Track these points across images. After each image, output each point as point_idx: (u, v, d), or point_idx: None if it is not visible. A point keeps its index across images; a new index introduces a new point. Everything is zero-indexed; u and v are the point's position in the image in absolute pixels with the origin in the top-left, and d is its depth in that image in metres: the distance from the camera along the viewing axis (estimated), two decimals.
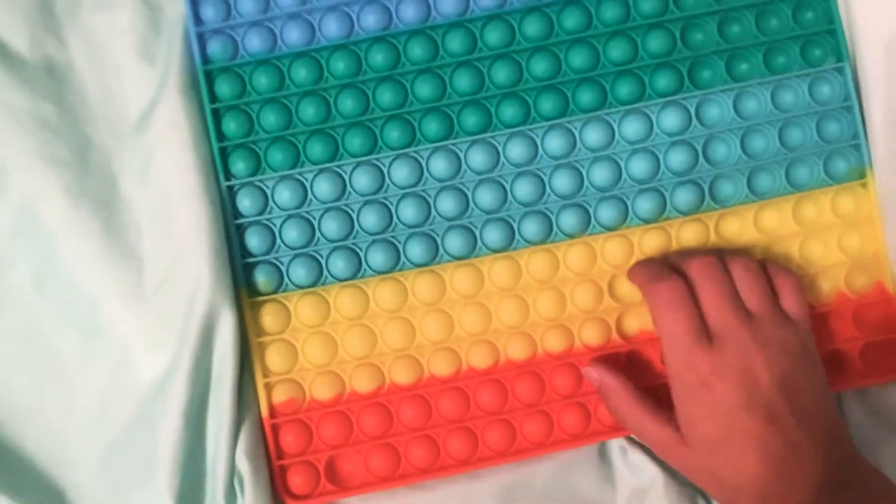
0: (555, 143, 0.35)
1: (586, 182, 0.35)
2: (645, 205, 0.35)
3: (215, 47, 0.35)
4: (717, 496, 0.32)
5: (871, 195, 0.35)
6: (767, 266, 0.33)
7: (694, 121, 0.35)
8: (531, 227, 0.35)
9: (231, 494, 0.32)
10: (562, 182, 0.35)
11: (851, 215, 0.35)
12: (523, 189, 0.35)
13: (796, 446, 0.29)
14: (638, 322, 0.35)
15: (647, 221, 0.35)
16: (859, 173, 0.36)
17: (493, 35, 0.35)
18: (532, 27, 0.35)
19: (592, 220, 0.35)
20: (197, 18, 0.34)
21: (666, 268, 0.33)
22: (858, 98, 0.35)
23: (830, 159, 0.36)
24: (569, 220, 0.35)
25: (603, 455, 0.35)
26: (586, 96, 0.35)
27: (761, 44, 0.35)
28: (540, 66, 0.35)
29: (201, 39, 0.34)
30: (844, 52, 0.35)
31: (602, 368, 0.34)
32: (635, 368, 0.35)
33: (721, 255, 0.33)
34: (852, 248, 0.36)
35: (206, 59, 0.35)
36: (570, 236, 0.35)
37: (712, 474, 0.31)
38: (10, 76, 0.33)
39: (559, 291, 0.35)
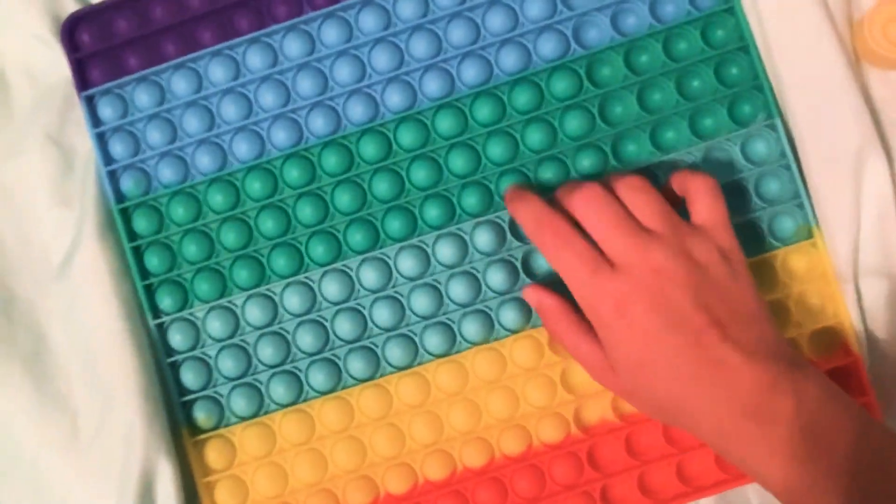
0: (484, 238, 0.34)
1: (521, 276, 0.34)
2: None
3: (128, 183, 0.34)
4: (650, 415, 0.31)
5: (823, 253, 0.34)
6: (676, 175, 0.31)
7: None
8: (471, 328, 0.34)
9: None
10: (497, 278, 0.34)
11: (804, 275, 0.34)
12: (457, 290, 0.34)
13: (721, 361, 0.28)
14: (598, 410, 0.34)
15: None
16: (807, 231, 0.34)
17: (407, 136, 0.34)
18: (445, 123, 0.34)
19: (534, 313, 0.34)
20: (106, 156, 0.34)
21: (545, 208, 0.31)
22: (794, 153, 0.34)
23: (775, 220, 0.34)
24: (510, 315, 0.34)
25: None
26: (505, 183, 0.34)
27: (686, 109, 0.34)
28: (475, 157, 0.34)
29: (113, 177, 0.34)
30: (774, 106, 0.34)
31: (539, 290, 0.32)
32: (598, 461, 0.34)
33: (607, 181, 0.31)
34: (812, 310, 0.34)
35: (120, 196, 0.34)
36: (513, 331, 0.34)
37: (643, 398, 0.30)
38: None
39: (510, 389, 0.34)
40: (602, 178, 0.32)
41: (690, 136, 0.34)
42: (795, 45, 0.33)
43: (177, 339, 0.34)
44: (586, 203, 0.30)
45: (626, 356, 0.29)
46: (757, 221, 0.34)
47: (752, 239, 0.34)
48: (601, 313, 0.29)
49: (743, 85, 0.34)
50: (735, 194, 0.34)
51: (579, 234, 0.30)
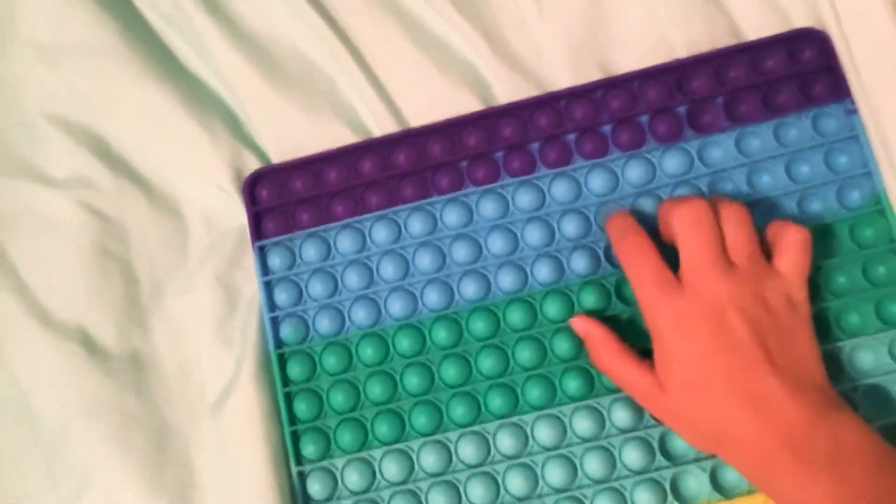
0: (622, 414, 0.34)
1: (658, 455, 0.34)
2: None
3: (287, 330, 0.36)
4: (693, 442, 0.31)
5: None
6: (773, 224, 0.32)
7: None
8: None
9: None
10: (633, 456, 0.34)
11: None
12: (593, 465, 0.34)
13: (768, 392, 0.29)
14: None
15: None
16: None
17: (552, 308, 0.35)
18: (552, 308, 0.35)
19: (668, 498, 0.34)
20: (271, 303, 0.36)
21: (631, 223, 0.33)
22: None
23: None
24: (644, 495, 0.34)
25: None
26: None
27: (833, 306, 0.34)
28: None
29: (275, 324, 0.36)
30: None
31: (587, 320, 0.34)
32: None
33: (714, 201, 0.32)
34: None
35: (279, 342, 0.36)
36: None
37: (688, 420, 0.31)
38: (97, 371, 0.36)
39: None
40: (711, 196, 0.33)
41: (836, 333, 0.34)
42: None
43: (315, 488, 0.35)
44: (687, 218, 0.31)
45: (676, 374, 0.30)
46: None
47: None
48: (660, 327, 0.31)
49: (891, 285, 0.34)
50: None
51: (657, 252, 0.31)
